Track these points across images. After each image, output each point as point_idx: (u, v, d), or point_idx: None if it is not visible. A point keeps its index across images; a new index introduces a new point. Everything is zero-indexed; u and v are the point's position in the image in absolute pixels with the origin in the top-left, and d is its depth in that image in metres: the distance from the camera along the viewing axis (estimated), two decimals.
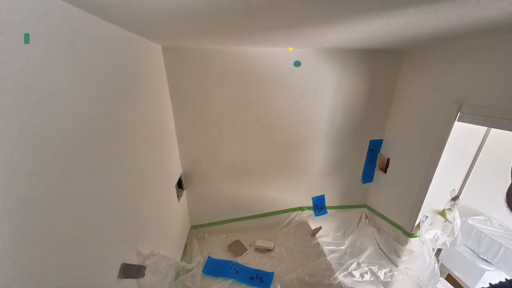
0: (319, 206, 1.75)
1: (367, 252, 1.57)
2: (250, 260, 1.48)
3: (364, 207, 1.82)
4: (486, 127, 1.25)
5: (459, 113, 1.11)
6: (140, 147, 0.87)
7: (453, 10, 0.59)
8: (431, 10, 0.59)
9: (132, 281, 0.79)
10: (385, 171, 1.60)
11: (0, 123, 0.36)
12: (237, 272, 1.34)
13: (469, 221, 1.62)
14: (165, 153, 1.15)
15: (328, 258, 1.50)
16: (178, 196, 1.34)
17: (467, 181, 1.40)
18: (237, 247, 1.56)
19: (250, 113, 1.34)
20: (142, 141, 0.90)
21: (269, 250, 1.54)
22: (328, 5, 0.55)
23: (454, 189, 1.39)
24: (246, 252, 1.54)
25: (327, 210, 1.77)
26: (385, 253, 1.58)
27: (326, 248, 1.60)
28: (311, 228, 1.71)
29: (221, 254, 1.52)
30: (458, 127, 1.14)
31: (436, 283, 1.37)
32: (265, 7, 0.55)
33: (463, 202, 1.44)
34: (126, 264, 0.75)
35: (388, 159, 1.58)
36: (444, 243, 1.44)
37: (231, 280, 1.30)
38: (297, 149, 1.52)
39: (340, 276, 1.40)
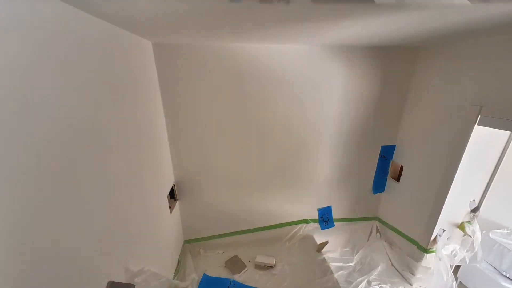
0: (325, 218, 1.68)
1: (378, 269, 1.49)
2: (250, 277, 1.39)
3: (375, 219, 1.74)
4: (510, 132, 1.19)
5: (479, 116, 1.05)
6: (129, 154, 0.82)
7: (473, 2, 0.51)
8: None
9: None
10: (398, 179, 1.53)
11: None
12: None
13: (491, 235, 1.54)
14: (156, 160, 1.10)
15: (336, 275, 1.41)
16: (170, 207, 1.27)
17: (488, 191, 1.32)
18: (235, 264, 1.47)
19: (249, 116, 1.28)
20: (131, 148, 0.84)
21: (271, 266, 1.46)
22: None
23: (473, 200, 1.32)
24: (245, 269, 1.45)
25: (334, 223, 1.69)
26: (398, 270, 1.50)
27: (333, 265, 1.51)
28: (316, 243, 1.62)
29: (217, 271, 1.44)
30: (479, 131, 1.08)
31: None
32: None
33: (483, 214, 1.36)
34: (113, 282, 0.69)
35: (402, 167, 1.51)
36: (463, 259, 1.36)
37: None
38: (300, 156, 1.45)
39: None
